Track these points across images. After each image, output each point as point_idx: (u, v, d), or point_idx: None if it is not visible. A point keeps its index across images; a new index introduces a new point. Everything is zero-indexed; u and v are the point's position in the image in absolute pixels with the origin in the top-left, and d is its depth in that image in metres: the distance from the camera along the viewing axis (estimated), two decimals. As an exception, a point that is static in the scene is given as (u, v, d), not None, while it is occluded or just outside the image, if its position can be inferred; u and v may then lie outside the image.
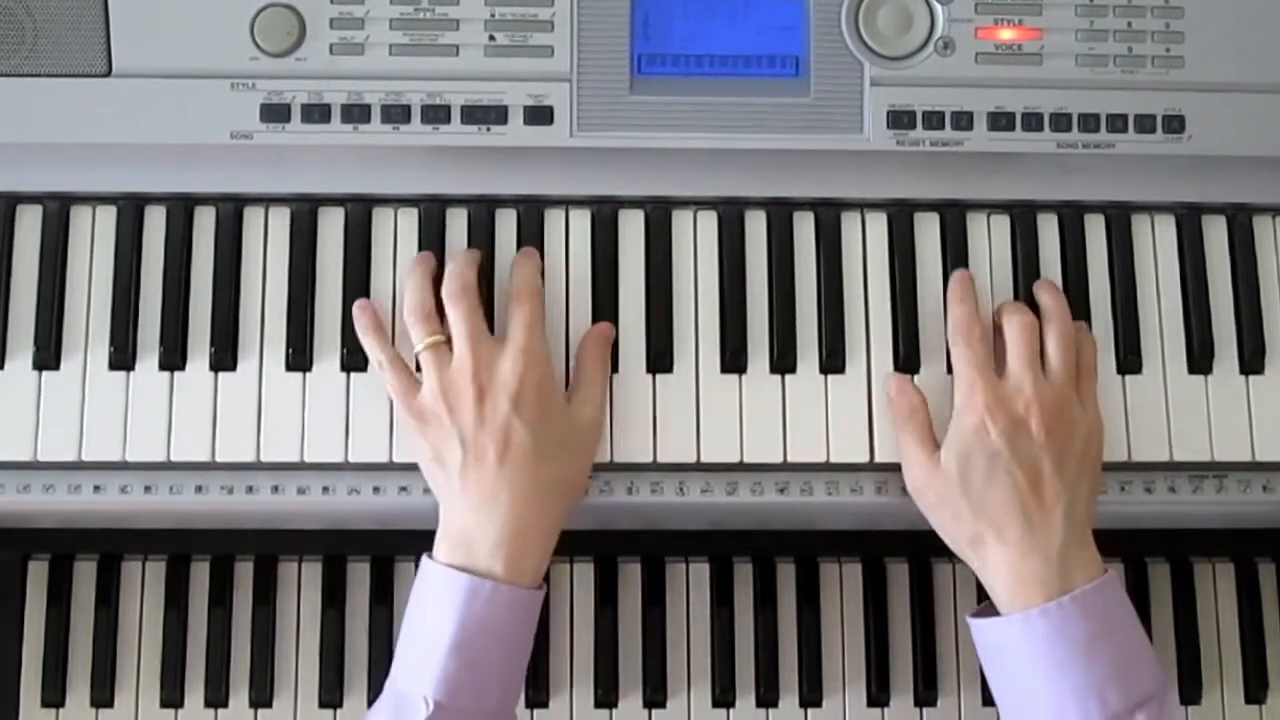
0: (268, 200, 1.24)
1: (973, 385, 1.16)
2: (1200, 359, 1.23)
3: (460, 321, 1.16)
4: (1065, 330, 1.20)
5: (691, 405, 1.21)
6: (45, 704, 1.30)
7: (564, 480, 1.16)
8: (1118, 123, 1.23)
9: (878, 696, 1.33)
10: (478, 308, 1.17)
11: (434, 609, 1.11)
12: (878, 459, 1.21)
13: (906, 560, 1.36)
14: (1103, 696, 1.09)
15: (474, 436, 1.13)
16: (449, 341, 1.17)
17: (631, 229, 1.24)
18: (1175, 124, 1.23)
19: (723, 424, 1.20)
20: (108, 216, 1.23)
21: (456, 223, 1.24)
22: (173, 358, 1.20)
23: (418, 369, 1.18)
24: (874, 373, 1.22)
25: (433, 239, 1.23)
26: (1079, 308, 1.23)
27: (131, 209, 1.22)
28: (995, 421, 1.14)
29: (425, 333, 1.16)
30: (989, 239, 1.25)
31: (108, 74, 1.20)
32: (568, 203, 1.24)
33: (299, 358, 1.20)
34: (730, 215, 1.24)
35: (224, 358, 1.20)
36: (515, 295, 1.18)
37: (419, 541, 1.18)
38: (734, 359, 1.22)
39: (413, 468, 1.18)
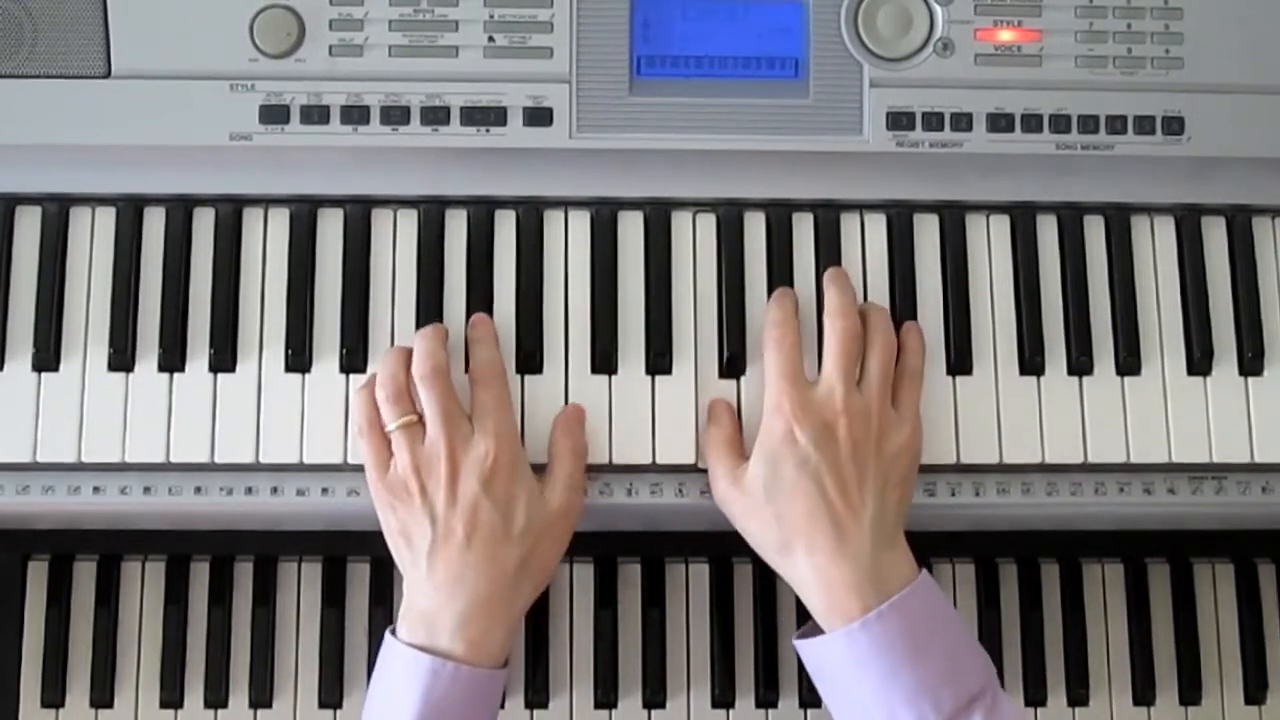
0: (267, 201, 1.23)
1: (781, 392, 1.15)
2: (1200, 361, 1.23)
3: (434, 403, 1.15)
4: (885, 340, 1.19)
5: (690, 407, 1.21)
6: (45, 704, 1.31)
7: (531, 564, 1.15)
8: (1117, 124, 1.23)
9: (877, 697, 1.33)
10: (451, 389, 1.16)
11: (395, 688, 1.10)
12: (877, 460, 1.20)
13: (906, 561, 1.36)
14: (936, 699, 1.08)
15: (444, 516, 1.13)
16: (420, 421, 1.16)
17: (631, 230, 1.24)
18: (1174, 125, 1.23)
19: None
20: (107, 218, 1.22)
21: (456, 224, 1.24)
22: (172, 359, 1.20)
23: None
24: (873, 374, 1.22)
25: (432, 240, 1.23)
26: (1078, 309, 1.23)
27: (131, 210, 1.22)
28: (802, 428, 1.13)
29: (398, 412, 1.16)
30: (988, 240, 1.25)
31: (107, 75, 1.20)
32: (567, 204, 1.24)
33: (298, 359, 1.20)
34: (730, 217, 1.24)
35: (223, 359, 1.20)
36: (478, 378, 1.18)
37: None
38: (732, 361, 1.22)
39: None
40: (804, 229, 1.25)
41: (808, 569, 1.13)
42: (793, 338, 1.18)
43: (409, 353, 1.18)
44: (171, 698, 1.31)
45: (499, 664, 1.13)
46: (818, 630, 1.13)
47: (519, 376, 1.21)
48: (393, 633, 1.14)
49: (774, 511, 1.14)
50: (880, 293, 1.24)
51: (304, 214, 1.23)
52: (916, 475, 1.18)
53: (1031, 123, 1.23)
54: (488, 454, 1.14)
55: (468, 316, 1.22)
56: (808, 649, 1.14)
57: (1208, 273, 1.25)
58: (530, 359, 1.21)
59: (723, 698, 1.33)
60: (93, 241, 1.22)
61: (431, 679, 1.10)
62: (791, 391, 1.15)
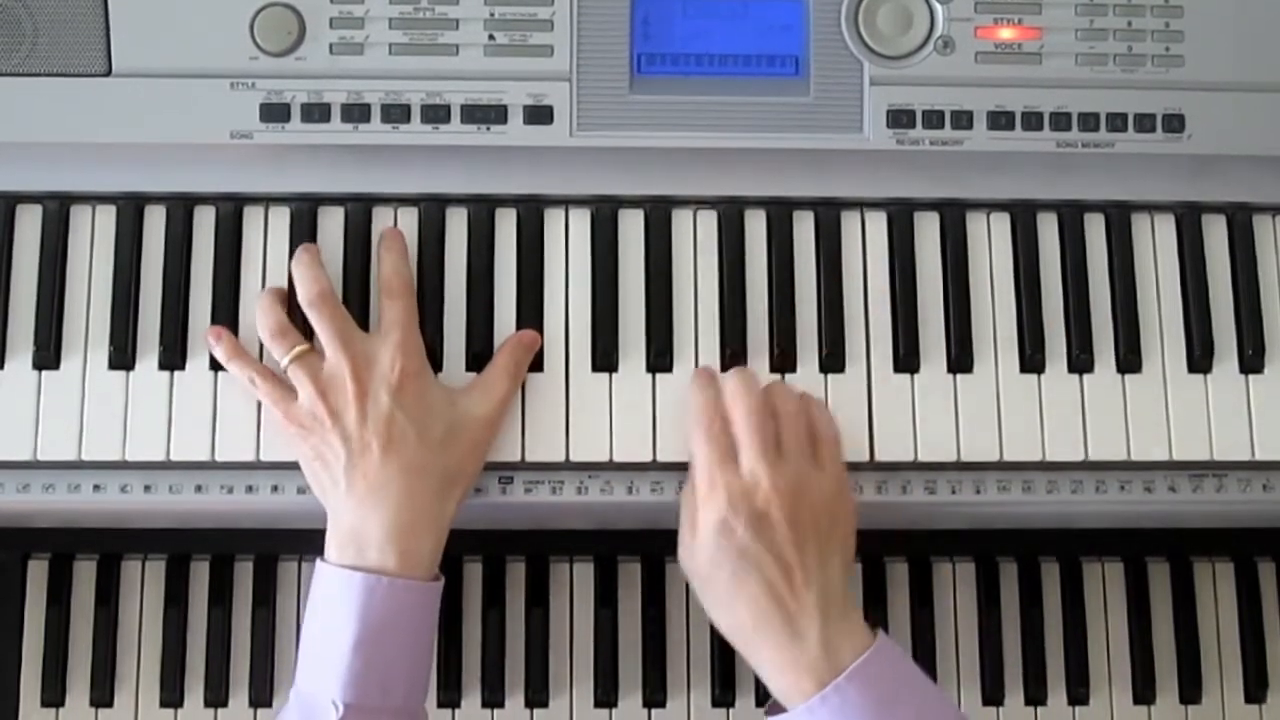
0: (268, 200, 1.23)
1: (713, 483, 1.14)
2: (1200, 358, 1.23)
3: (327, 324, 1.16)
4: (792, 408, 1.18)
5: (691, 405, 1.21)
6: (45, 704, 1.31)
7: (451, 470, 1.15)
8: (1117, 122, 1.23)
9: (878, 696, 1.33)
10: (341, 309, 1.17)
11: (332, 610, 1.11)
12: (878, 458, 1.21)
13: (905, 560, 1.36)
14: None
15: (358, 433, 1.13)
16: (313, 349, 1.16)
17: (631, 228, 1.24)
18: (1175, 123, 1.23)
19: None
20: (107, 216, 1.22)
21: (456, 222, 1.24)
22: (172, 357, 1.20)
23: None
24: (874, 372, 1.22)
25: (432, 238, 1.23)
26: (1079, 307, 1.24)
27: (131, 209, 1.22)
28: (737, 518, 1.12)
29: (287, 346, 1.16)
30: (989, 238, 1.25)
31: (108, 74, 1.20)
32: (568, 202, 1.24)
33: (299, 357, 1.20)
34: (730, 215, 1.24)
35: (224, 357, 1.20)
36: (386, 289, 1.18)
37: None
38: (733, 359, 1.21)
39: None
40: (804, 227, 1.25)
41: (762, 652, 1.12)
42: (720, 423, 1.16)
43: (280, 295, 1.19)
44: (171, 698, 1.31)
45: (431, 575, 1.14)
46: (781, 707, 1.13)
47: (519, 375, 1.21)
48: (322, 559, 1.13)
49: (723, 598, 1.13)
50: (881, 291, 1.24)
51: (305, 212, 1.23)
52: (855, 535, 1.17)
53: (1032, 120, 1.23)
54: (393, 366, 1.14)
55: (468, 315, 1.22)
56: None
57: (1208, 270, 1.25)
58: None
59: (723, 697, 1.33)
60: (93, 240, 1.22)
61: (367, 595, 1.10)
62: (724, 480, 1.13)
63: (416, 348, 1.17)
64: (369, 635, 1.10)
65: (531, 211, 1.24)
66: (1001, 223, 1.26)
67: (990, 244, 1.25)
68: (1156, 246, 1.26)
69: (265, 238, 1.23)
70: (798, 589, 1.11)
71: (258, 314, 1.18)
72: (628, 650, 1.34)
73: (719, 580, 1.13)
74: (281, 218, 1.23)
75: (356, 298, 1.21)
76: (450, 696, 1.32)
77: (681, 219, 1.24)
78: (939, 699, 1.15)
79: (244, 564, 1.34)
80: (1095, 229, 1.26)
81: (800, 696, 1.09)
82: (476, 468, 1.18)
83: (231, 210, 1.23)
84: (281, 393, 1.16)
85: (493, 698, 1.32)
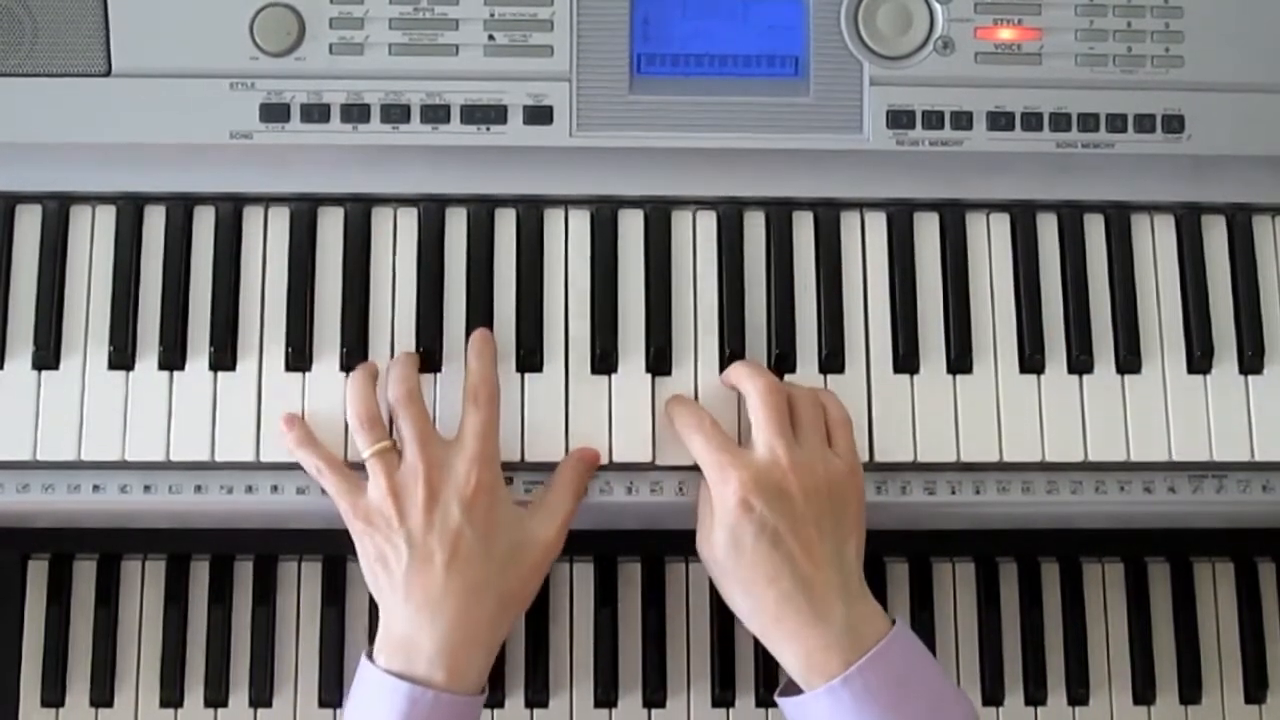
0: (267, 200, 1.23)
1: (723, 466, 1.14)
2: (1200, 359, 1.23)
3: (410, 425, 1.15)
4: (806, 392, 1.19)
5: (691, 405, 1.21)
6: (45, 704, 1.31)
7: (510, 591, 1.15)
8: (1117, 122, 1.23)
9: (877, 696, 1.33)
10: (426, 412, 1.17)
11: (373, 713, 1.10)
12: (877, 459, 1.21)
13: (905, 560, 1.36)
14: None
15: (422, 539, 1.12)
16: (395, 447, 1.16)
17: (631, 229, 1.24)
18: (1175, 124, 1.23)
19: (721, 425, 1.19)
20: (107, 216, 1.22)
21: (456, 222, 1.24)
22: (172, 357, 1.20)
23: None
24: (873, 373, 1.22)
25: (432, 239, 1.23)
26: (1079, 308, 1.23)
27: (131, 209, 1.22)
28: (758, 495, 1.12)
29: (373, 439, 1.15)
30: (988, 239, 1.25)
31: (107, 74, 1.21)
32: (567, 202, 1.24)
33: (298, 358, 1.20)
34: (730, 215, 1.24)
35: (223, 357, 1.20)
36: (472, 397, 1.17)
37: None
38: (733, 359, 1.21)
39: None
40: (804, 227, 1.25)
41: (783, 633, 1.12)
42: (709, 419, 1.17)
43: (373, 378, 1.19)
44: (171, 697, 1.31)
45: (477, 691, 1.13)
46: (797, 687, 1.13)
47: (519, 375, 1.21)
48: (369, 656, 1.13)
49: (743, 578, 1.13)
50: (880, 291, 1.24)
51: (304, 212, 1.23)
52: (864, 519, 1.17)
53: (1031, 121, 1.23)
54: (468, 479, 1.13)
55: (468, 315, 1.22)
56: (792, 707, 1.14)
57: (1208, 271, 1.25)
58: (530, 357, 1.21)
59: (723, 697, 1.33)
60: (93, 240, 1.22)
61: (410, 706, 1.09)
62: (735, 462, 1.14)
63: (493, 460, 1.15)
64: None
65: (531, 212, 1.24)
66: (1001, 223, 1.26)
67: (990, 245, 1.25)
68: (1156, 247, 1.26)
69: (265, 238, 1.23)
70: (820, 564, 1.12)
71: (348, 394, 1.18)
72: (628, 650, 1.34)
73: (740, 560, 1.13)
74: (281, 218, 1.23)
75: (355, 299, 1.21)
76: (450, 696, 1.32)
77: (681, 219, 1.24)
78: (951, 687, 1.15)
79: (244, 564, 1.34)
80: (1095, 229, 1.26)
81: (821, 676, 1.10)
82: (534, 589, 1.18)
83: (231, 210, 1.23)
84: (348, 486, 1.15)
85: (492, 698, 1.32)
